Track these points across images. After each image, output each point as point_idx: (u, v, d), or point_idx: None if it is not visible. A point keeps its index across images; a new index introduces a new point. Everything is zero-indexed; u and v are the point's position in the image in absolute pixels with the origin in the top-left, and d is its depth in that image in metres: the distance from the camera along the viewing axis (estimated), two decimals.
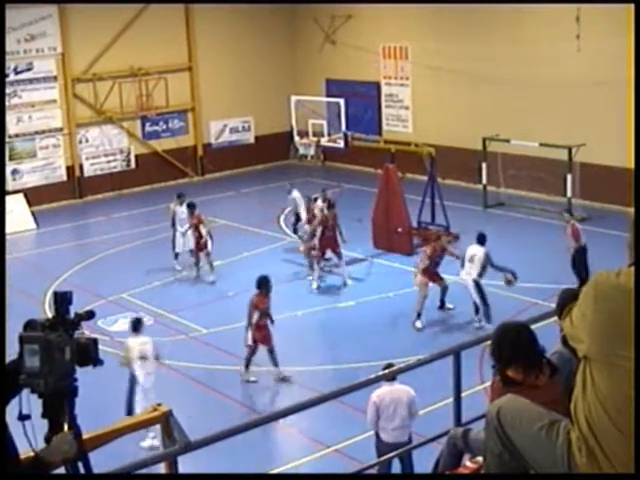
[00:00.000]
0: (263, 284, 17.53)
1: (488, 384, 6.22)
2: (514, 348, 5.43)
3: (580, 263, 20.91)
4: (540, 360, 5.52)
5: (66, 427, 4.17)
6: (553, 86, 28.89)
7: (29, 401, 4.12)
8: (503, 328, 5.59)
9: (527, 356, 5.44)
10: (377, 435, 12.66)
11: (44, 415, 4.16)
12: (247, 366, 17.56)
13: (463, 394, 6.71)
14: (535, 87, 29.37)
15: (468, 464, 6.25)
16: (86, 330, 4.20)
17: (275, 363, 17.53)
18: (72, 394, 4.21)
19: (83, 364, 4.19)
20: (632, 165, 24.46)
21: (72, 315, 4.21)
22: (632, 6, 20.30)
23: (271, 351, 17.52)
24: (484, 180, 29.78)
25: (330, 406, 8.59)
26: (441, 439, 6.67)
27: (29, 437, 4.12)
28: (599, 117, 27.71)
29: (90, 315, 4.30)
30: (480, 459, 5.73)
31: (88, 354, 4.19)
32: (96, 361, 4.23)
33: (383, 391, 12.46)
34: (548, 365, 5.56)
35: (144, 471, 5.07)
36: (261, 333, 17.48)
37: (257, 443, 13.75)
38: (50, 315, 4.22)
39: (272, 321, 17.74)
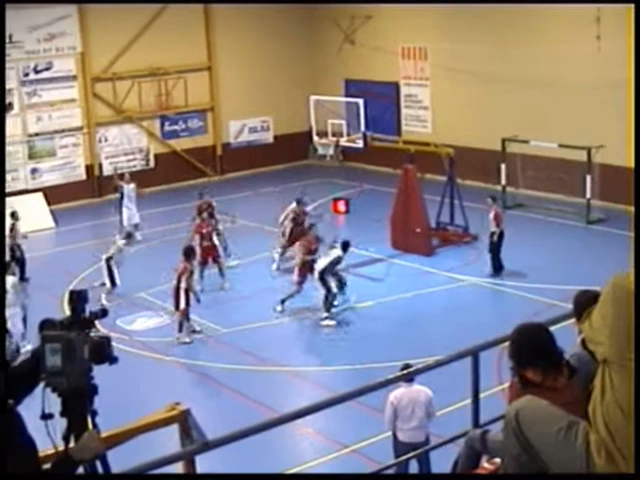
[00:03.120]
0: (188, 253, 20.01)
1: (506, 385, 6.18)
2: (533, 349, 5.38)
3: (496, 246, 22.78)
4: (559, 361, 5.48)
5: (90, 425, 4.19)
6: (572, 87, 28.78)
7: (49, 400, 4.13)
8: (522, 329, 5.54)
9: (546, 357, 5.40)
10: (394, 435, 12.65)
11: (63, 414, 4.16)
12: (181, 329, 19.60)
13: (481, 395, 6.69)
14: (554, 88, 29.26)
15: (486, 465, 6.22)
16: (104, 328, 4.21)
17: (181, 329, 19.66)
18: (92, 392, 4.22)
19: (99, 362, 4.19)
20: None
21: (87, 313, 4.22)
22: None
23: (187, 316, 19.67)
24: (503, 181, 29.69)
25: (348, 406, 8.57)
26: (459, 440, 6.64)
27: (52, 436, 4.13)
28: (618, 118, 27.55)
29: (104, 313, 4.31)
30: (498, 460, 5.70)
31: (103, 352, 4.20)
32: (112, 359, 4.23)
33: (401, 392, 12.45)
34: (567, 367, 5.53)
35: (162, 470, 5.06)
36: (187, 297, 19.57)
37: (274, 443, 13.75)
38: (68, 314, 4.23)
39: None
